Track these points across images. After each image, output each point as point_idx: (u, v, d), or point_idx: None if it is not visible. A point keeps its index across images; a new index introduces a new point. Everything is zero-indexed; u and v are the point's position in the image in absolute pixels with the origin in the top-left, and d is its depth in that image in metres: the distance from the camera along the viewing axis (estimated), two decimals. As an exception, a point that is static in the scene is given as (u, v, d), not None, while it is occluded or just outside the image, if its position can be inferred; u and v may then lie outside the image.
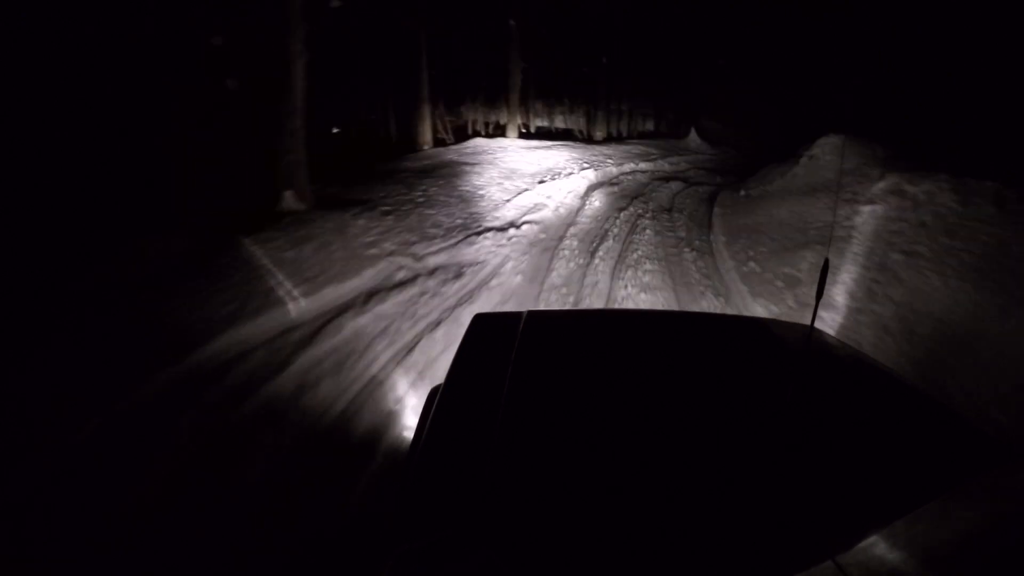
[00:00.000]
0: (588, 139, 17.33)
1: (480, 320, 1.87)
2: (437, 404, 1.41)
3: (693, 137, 18.48)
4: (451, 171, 9.37)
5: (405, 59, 12.46)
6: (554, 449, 1.21)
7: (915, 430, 1.33)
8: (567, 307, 4.93)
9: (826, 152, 8.73)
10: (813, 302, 3.31)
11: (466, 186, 8.51)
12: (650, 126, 20.68)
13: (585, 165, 11.15)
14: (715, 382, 1.48)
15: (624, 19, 17.24)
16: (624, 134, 19.39)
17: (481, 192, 8.27)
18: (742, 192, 9.31)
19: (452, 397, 1.43)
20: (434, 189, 8.01)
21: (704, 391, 1.43)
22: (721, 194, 9.74)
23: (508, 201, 7.97)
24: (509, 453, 1.18)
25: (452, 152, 11.41)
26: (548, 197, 8.52)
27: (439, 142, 13.38)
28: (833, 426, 1.31)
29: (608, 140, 17.34)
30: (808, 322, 1.40)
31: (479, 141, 12.95)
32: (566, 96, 18.91)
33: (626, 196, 9.56)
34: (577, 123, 19.02)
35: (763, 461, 1.17)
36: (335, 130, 13.93)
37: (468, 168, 9.74)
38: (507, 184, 8.87)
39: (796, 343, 1.73)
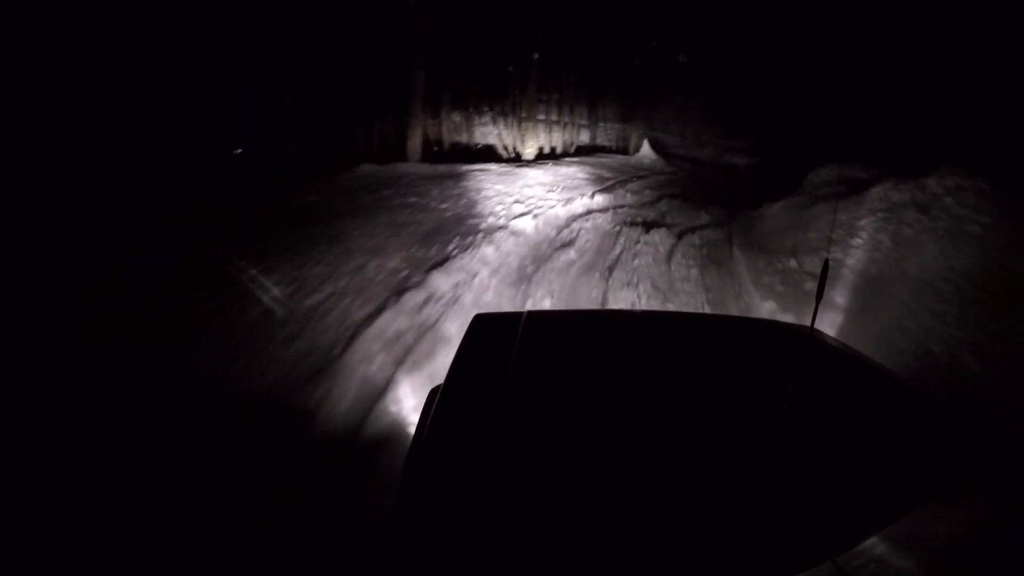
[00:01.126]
0: (516, 158, 13.34)
1: (480, 320, 1.86)
2: (437, 404, 1.42)
3: (647, 152, 15.09)
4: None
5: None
6: (554, 449, 1.22)
7: (915, 430, 1.33)
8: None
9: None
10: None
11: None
12: (586, 138, 16.80)
13: (518, 206, 7.28)
14: (715, 383, 1.48)
15: (558, 6, 13.38)
16: (560, 149, 15.51)
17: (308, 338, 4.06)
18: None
19: (452, 397, 1.43)
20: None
21: (704, 392, 1.44)
22: (743, 254, 6.21)
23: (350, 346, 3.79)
24: (509, 453, 1.19)
25: (312, 195, 7.14)
26: (447, 302, 4.49)
27: (326, 168, 8.79)
28: (833, 426, 1.31)
29: (541, 158, 13.37)
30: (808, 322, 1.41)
31: (366, 170, 8.73)
32: (487, 103, 14.48)
33: (593, 273, 5.71)
34: (501, 137, 14.76)
35: (763, 461, 1.17)
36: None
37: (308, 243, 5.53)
38: (368, 288, 4.56)
39: (796, 344, 1.74)
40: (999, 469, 1.19)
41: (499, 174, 9.48)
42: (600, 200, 8.78)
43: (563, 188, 9.02)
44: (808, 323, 1.44)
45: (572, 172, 10.94)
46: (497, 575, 0.96)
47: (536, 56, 13.41)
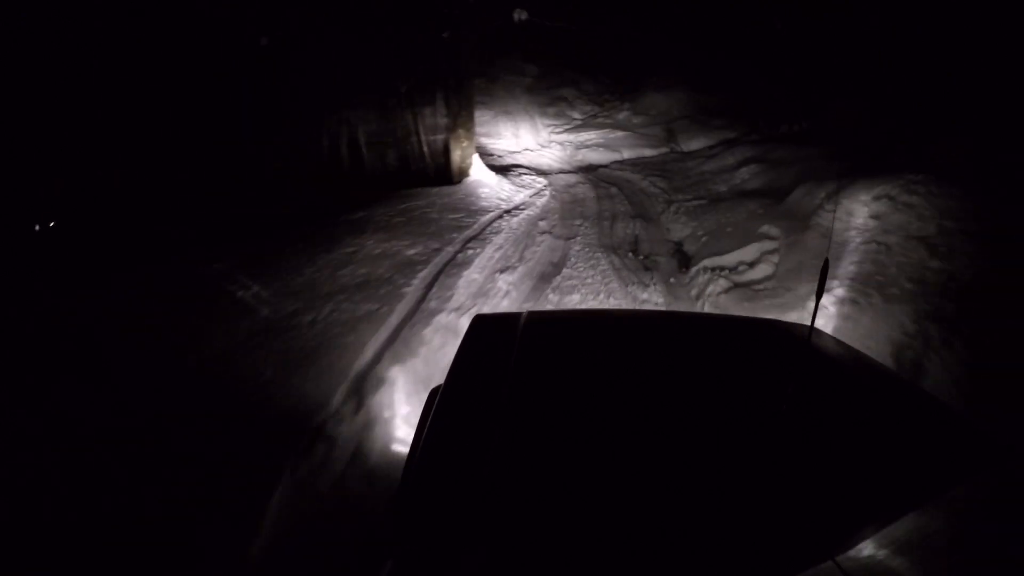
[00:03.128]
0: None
1: (480, 321, 1.87)
2: (437, 405, 1.43)
3: (483, 179, 8.54)
4: None
5: None
6: (554, 450, 1.23)
7: (915, 430, 1.34)
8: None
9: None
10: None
11: None
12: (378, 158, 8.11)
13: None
14: (715, 382, 1.49)
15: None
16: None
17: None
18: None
19: (452, 398, 1.45)
20: None
21: (704, 391, 1.44)
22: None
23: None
24: (509, 454, 1.20)
25: None
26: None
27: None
28: (833, 426, 1.32)
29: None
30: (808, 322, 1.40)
31: None
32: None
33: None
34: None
35: (763, 461, 1.18)
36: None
37: None
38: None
39: (796, 343, 1.73)
40: (999, 469, 1.20)
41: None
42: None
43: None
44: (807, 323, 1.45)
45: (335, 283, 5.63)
46: (497, 575, 0.97)
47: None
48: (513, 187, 8.72)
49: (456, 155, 8.33)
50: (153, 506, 2.50)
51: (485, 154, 10.88)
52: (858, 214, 5.10)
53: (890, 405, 1.46)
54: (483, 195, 8.00)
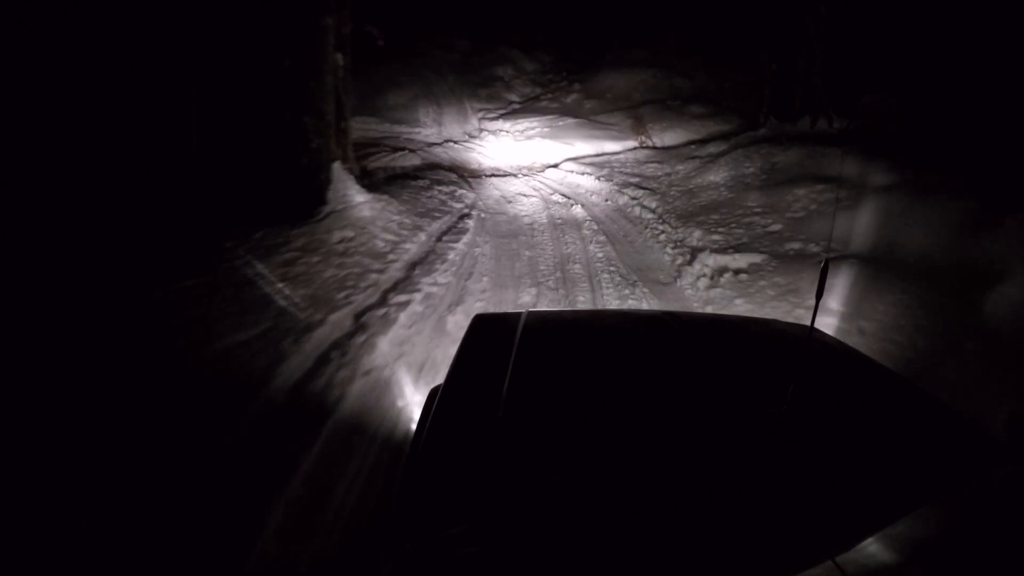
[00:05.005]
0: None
1: (480, 320, 1.86)
2: (437, 404, 1.41)
3: (358, 209, 5.06)
4: None
5: None
6: (553, 449, 1.22)
7: (915, 430, 1.33)
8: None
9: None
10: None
11: None
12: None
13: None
14: (715, 382, 1.47)
15: None
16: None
17: None
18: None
19: (452, 397, 1.44)
20: None
21: (703, 391, 1.43)
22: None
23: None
24: (509, 453, 1.19)
25: None
26: None
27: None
28: (833, 426, 1.31)
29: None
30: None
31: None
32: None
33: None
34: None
35: (763, 461, 1.17)
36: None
37: None
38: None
39: (796, 343, 1.72)
40: (999, 469, 1.19)
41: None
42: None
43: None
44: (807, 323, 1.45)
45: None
46: (497, 575, 0.95)
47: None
48: (411, 220, 5.10)
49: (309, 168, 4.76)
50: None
51: (393, 149, 7.49)
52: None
53: (890, 405, 1.44)
54: (337, 250, 4.41)
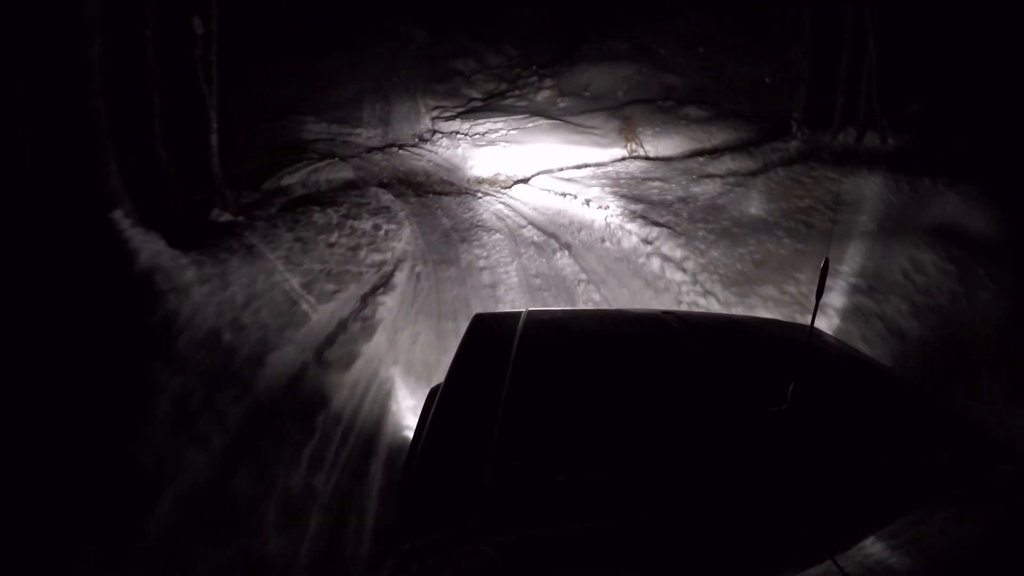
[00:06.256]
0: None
1: (480, 320, 1.83)
2: (437, 404, 1.40)
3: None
4: None
5: None
6: (553, 449, 1.20)
7: (915, 430, 1.31)
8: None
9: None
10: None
11: None
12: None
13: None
14: (714, 381, 1.45)
15: None
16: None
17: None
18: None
19: (452, 397, 1.41)
20: None
21: (703, 390, 1.41)
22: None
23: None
24: (509, 453, 1.18)
25: None
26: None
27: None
28: (833, 426, 1.29)
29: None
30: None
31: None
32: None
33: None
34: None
35: (763, 461, 1.15)
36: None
37: None
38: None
39: (796, 343, 1.68)
40: (999, 469, 1.17)
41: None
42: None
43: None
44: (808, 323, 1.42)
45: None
46: (497, 575, 0.93)
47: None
48: (268, 313, 2.87)
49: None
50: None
51: (321, 157, 5.55)
52: None
53: (890, 405, 1.43)
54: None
